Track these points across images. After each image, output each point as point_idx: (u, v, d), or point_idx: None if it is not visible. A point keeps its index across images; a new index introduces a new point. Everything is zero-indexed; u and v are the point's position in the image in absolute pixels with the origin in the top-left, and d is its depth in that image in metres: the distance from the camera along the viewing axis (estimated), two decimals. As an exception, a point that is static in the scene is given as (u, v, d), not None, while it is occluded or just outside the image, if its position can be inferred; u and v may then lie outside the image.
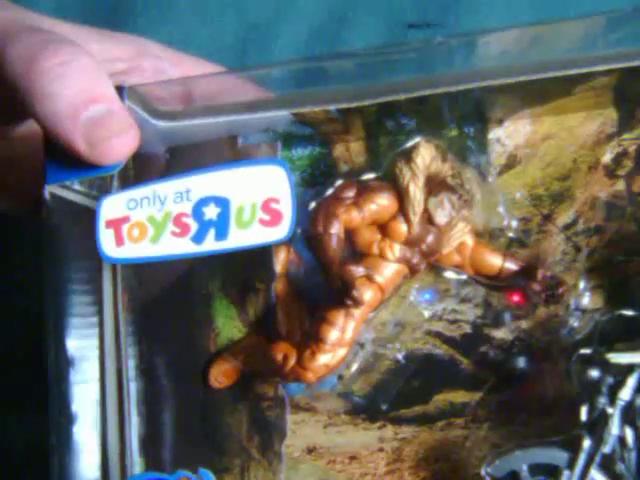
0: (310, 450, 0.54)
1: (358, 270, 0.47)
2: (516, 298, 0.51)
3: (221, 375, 0.52)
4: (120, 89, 0.47)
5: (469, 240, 0.51)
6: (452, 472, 0.53)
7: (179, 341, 0.54)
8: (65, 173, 0.46)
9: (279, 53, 0.66)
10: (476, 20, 0.65)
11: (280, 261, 0.52)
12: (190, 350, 0.53)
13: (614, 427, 0.47)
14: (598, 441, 0.47)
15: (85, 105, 0.44)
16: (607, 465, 0.47)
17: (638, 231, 0.50)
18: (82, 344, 0.51)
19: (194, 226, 0.43)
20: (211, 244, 0.43)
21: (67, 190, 0.49)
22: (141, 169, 0.50)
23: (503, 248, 0.52)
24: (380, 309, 0.52)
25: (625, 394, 0.47)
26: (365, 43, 0.65)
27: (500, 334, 0.52)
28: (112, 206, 0.46)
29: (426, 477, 0.53)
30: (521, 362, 0.51)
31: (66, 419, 0.49)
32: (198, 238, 0.43)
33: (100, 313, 0.52)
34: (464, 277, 0.52)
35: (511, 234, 0.52)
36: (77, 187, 0.49)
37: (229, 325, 0.53)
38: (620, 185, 0.51)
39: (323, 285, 0.51)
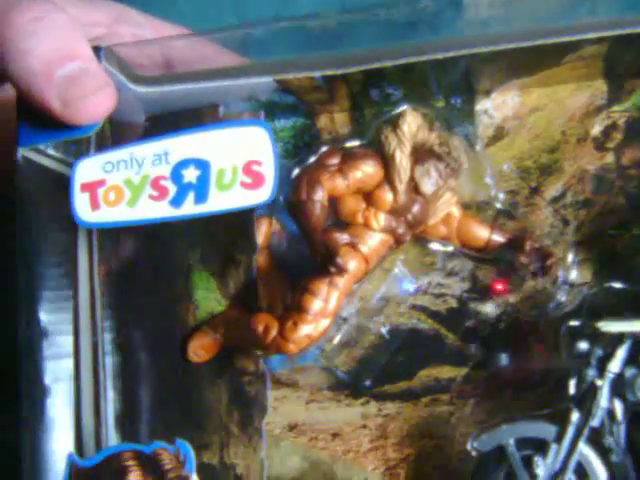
0: (292, 427, 0.53)
1: (342, 237, 0.46)
2: (500, 287, 0.50)
3: (200, 349, 0.51)
4: (97, 49, 0.45)
5: (456, 211, 0.50)
6: (437, 449, 0.52)
7: (157, 314, 0.52)
8: (39, 135, 0.44)
9: (279, 53, 0.65)
10: (474, 20, 0.63)
11: (262, 233, 0.51)
12: (168, 323, 0.52)
13: (603, 400, 0.46)
14: (587, 414, 0.46)
15: (60, 62, 0.42)
16: (596, 439, 0.46)
17: (627, 204, 0.50)
18: (56, 317, 0.49)
19: (173, 189, 0.42)
20: (190, 207, 0.41)
21: (41, 155, 0.47)
22: (119, 135, 0.48)
23: (490, 220, 0.51)
24: (364, 282, 0.51)
25: (614, 366, 0.46)
26: (365, 43, 0.64)
27: (487, 308, 0.51)
28: (87, 169, 0.44)
29: (410, 454, 0.52)
30: (503, 360, 0.50)
31: (39, 393, 0.47)
32: (177, 201, 0.41)
33: (75, 285, 0.50)
34: (450, 249, 0.51)
35: (499, 206, 0.51)
36: (51, 152, 0.47)
37: (209, 298, 0.52)
38: (609, 158, 0.50)
39: (306, 257, 0.49)
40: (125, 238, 0.51)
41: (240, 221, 0.49)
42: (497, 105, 0.51)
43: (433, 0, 0.45)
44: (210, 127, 0.42)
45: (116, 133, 0.48)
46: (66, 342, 0.50)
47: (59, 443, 0.47)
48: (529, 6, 0.47)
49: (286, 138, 0.52)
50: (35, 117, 0.43)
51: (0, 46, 0.42)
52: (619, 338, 0.46)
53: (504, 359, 0.50)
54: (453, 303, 0.52)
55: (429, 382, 0.52)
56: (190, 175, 0.41)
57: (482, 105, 0.51)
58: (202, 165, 0.42)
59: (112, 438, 0.49)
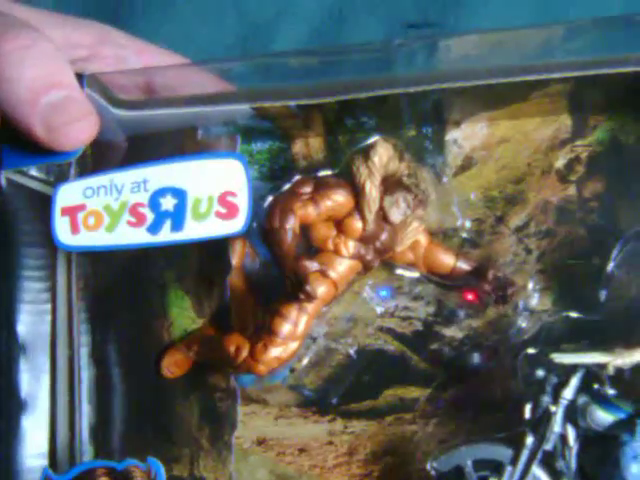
0: (260, 442, 0.55)
1: (312, 265, 0.48)
2: (470, 297, 0.52)
3: (173, 365, 0.53)
4: (80, 77, 0.46)
5: (423, 239, 0.52)
6: (400, 467, 0.53)
7: (133, 330, 0.54)
8: (22, 159, 0.45)
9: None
10: (475, 20, 0.64)
11: (236, 254, 0.53)
12: (143, 339, 0.54)
13: (556, 425, 0.48)
14: (540, 438, 0.48)
15: (45, 90, 0.44)
16: (548, 462, 0.49)
17: (587, 235, 0.52)
18: (34, 331, 0.51)
19: (150, 216, 0.43)
20: (167, 235, 0.43)
21: (23, 176, 0.48)
22: (100, 158, 0.50)
23: (456, 248, 0.53)
24: (333, 304, 0.53)
25: (568, 393, 0.48)
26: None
27: (450, 332, 0.53)
28: (68, 193, 0.46)
29: (374, 471, 0.54)
30: (475, 358, 0.52)
31: (15, 406, 0.49)
32: (154, 228, 0.43)
33: (53, 300, 0.52)
34: (417, 275, 0.53)
35: (464, 234, 0.53)
36: (34, 173, 0.49)
37: (183, 316, 0.54)
38: (571, 190, 0.52)
39: (277, 279, 0.51)
40: (103, 256, 0.52)
41: (215, 243, 0.51)
42: (466, 135, 0.53)
43: (409, 42, 0.47)
44: (188, 157, 0.44)
45: (97, 155, 0.50)
46: (43, 356, 0.51)
47: (33, 457, 0.49)
48: (502, 51, 0.49)
49: (262, 161, 0.54)
50: (19, 141, 0.45)
51: None
52: (573, 367, 0.48)
53: (476, 358, 0.52)
54: (418, 326, 0.54)
55: (394, 401, 0.54)
56: (167, 203, 0.43)
57: (452, 135, 0.53)
58: (179, 194, 0.43)
59: (86, 451, 0.50)
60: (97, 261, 0.53)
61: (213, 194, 0.43)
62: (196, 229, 0.43)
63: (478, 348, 0.52)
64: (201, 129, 0.52)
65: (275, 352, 0.49)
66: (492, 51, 0.50)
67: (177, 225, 0.43)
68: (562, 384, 0.48)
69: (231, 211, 0.43)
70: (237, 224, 0.43)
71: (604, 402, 0.47)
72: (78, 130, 0.44)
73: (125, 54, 0.56)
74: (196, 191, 0.43)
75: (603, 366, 0.46)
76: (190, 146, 0.51)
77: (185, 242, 0.43)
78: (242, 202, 0.43)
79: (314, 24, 0.66)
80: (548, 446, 0.48)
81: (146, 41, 0.58)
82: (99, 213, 0.44)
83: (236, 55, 0.54)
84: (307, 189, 0.50)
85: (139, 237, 0.43)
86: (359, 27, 0.66)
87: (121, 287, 0.54)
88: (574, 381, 0.48)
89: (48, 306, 0.52)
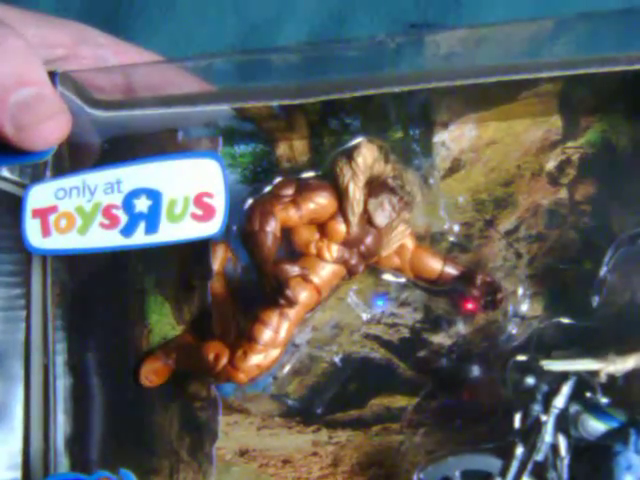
0: (242, 453, 0.53)
1: (293, 269, 0.46)
2: (470, 306, 0.51)
3: (152, 373, 0.51)
4: (53, 74, 0.45)
5: (409, 243, 0.51)
6: (386, 478, 0.52)
7: (110, 337, 0.52)
8: (-7, 159, 0.44)
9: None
10: (476, 20, 0.63)
11: (218, 259, 0.51)
12: (121, 347, 0.52)
13: (547, 435, 0.47)
14: (531, 449, 0.47)
15: (14, 88, 0.42)
16: (539, 473, 0.47)
17: (579, 240, 0.51)
18: (7, 338, 0.49)
19: (124, 218, 0.42)
20: (141, 237, 0.42)
21: (-5, 178, 0.47)
22: (77, 159, 0.49)
23: (444, 252, 0.52)
24: (317, 310, 0.51)
25: (559, 402, 0.47)
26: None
27: (439, 339, 0.52)
28: (40, 195, 0.44)
29: (360, 482, 0.52)
30: (475, 371, 0.51)
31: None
32: (127, 231, 0.42)
33: (28, 307, 0.50)
34: (403, 280, 0.52)
35: (452, 238, 0.52)
36: (6, 174, 0.47)
37: (162, 322, 0.52)
38: (563, 193, 0.51)
39: (259, 285, 0.50)
40: (80, 260, 0.51)
41: (196, 247, 0.49)
42: (454, 137, 0.52)
43: (395, 37, 0.46)
44: (163, 157, 0.43)
45: (74, 156, 0.49)
46: (17, 364, 0.50)
47: (6, 469, 0.47)
48: (490, 47, 0.48)
49: (245, 164, 0.53)
50: (-11, 142, 0.43)
51: None
52: (564, 375, 0.47)
53: (475, 370, 0.51)
54: (405, 333, 0.52)
55: (380, 411, 0.52)
56: (141, 205, 0.42)
57: (440, 137, 0.52)
58: (154, 195, 0.42)
59: (61, 463, 0.49)
60: (73, 267, 0.51)
61: (189, 195, 0.41)
62: (171, 231, 0.41)
63: (474, 360, 0.51)
64: (181, 131, 0.50)
65: (255, 359, 0.47)
66: (479, 47, 0.49)
67: (151, 227, 0.42)
68: (553, 392, 0.47)
69: (207, 213, 0.41)
70: (213, 226, 0.41)
71: (596, 411, 0.46)
72: (49, 129, 0.43)
73: (104, 54, 0.55)
74: (171, 192, 0.42)
75: (595, 373, 0.45)
76: (170, 148, 0.50)
77: (160, 245, 0.42)
78: (219, 204, 0.41)
79: (314, 24, 0.66)
80: (539, 457, 0.47)
81: (124, 41, 0.57)
82: (71, 215, 0.43)
83: (217, 52, 0.53)
84: (289, 191, 0.48)
85: (112, 240, 0.42)
86: (359, 28, 0.65)
87: (98, 293, 0.52)
88: (565, 389, 0.47)
89: (22, 313, 0.50)
